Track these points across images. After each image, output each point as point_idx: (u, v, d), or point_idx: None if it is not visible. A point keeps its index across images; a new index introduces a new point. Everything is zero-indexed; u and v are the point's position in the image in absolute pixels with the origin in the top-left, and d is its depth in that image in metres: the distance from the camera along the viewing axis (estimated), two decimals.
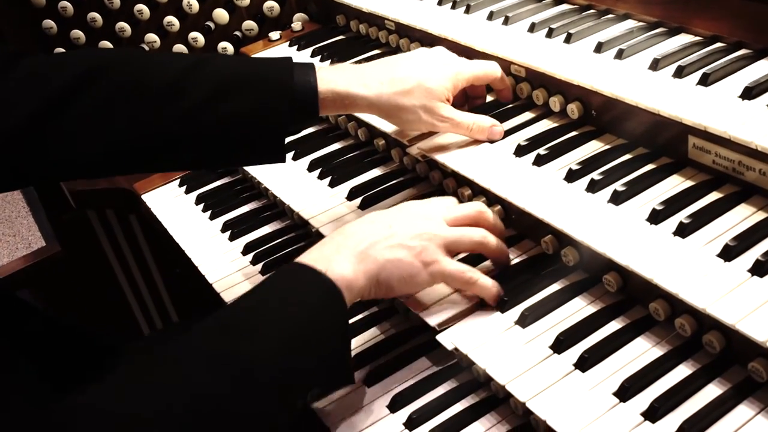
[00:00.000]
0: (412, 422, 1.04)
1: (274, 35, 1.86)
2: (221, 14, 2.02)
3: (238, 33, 2.05)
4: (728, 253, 0.92)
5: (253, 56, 1.73)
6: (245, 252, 1.46)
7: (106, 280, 2.46)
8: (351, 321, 1.18)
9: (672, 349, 0.95)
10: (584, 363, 0.96)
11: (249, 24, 2.02)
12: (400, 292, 1.09)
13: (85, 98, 1.16)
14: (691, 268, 0.92)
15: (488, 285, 1.07)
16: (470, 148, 1.23)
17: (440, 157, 1.23)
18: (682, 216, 0.99)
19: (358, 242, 1.04)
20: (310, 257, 1.03)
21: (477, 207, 1.13)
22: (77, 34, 2.13)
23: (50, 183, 2.03)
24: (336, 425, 1.05)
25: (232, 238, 1.51)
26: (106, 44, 2.16)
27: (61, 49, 2.15)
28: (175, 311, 2.63)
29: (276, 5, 1.97)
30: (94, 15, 2.11)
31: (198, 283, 1.45)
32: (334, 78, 1.19)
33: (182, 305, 2.55)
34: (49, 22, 2.13)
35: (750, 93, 1.02)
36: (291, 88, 1.16)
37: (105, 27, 2.12)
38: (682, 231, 0.97)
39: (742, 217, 0.98)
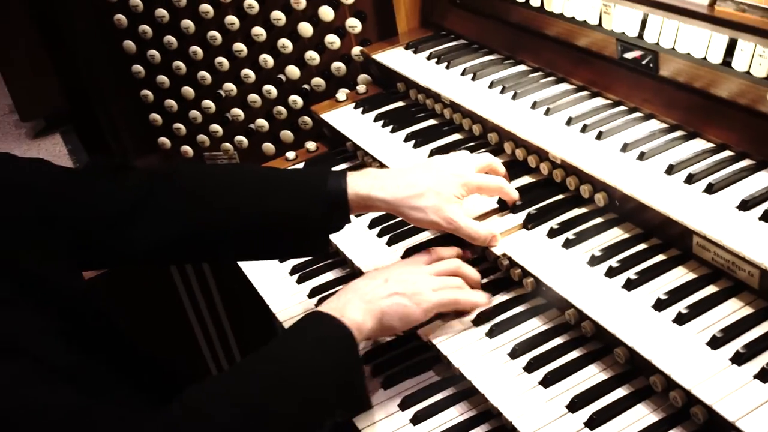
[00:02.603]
0: (417, 419, 1.32)
1: (341, 96, 2.09)
2: (293, 70, 2.26)
3: (306, 87, 2.29)
4: (715, 342, 1.13)
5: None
6: (311, 295, 1.69)
7: (171, 304, 2.74)
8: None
9: (666, 416, 1.16)
10: (593, 423, 1.18)
11: (317, 80, 2.26)
12: (401, 329, 1.38)
13: (156, 200, 1.45)
14: (683, 353, 1.13)
15: (471, 299, 1.37)
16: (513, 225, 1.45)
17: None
18: (682, 306, 1.20)
19: (363, 294, 1.33)
20: (328, 307, 1.32)
21: (456, 263, 1.41)
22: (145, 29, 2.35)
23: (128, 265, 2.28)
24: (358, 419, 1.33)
25: (299, 281, 1.74)
26: (189, 91, 2.41)
27: (131, 43, 2.38)
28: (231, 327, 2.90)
29: (342, 66, 2.21)
30: (179, 64, 2.37)
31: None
32: (358, 183, 1.43)
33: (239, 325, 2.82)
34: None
35: (746, 205, 1.23)
36: (327, 194, 1.42)
37: (187, 75, 2.38)
38: (680, 319, 1.18)
39: (731, 310, 1.19)
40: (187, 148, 2.53)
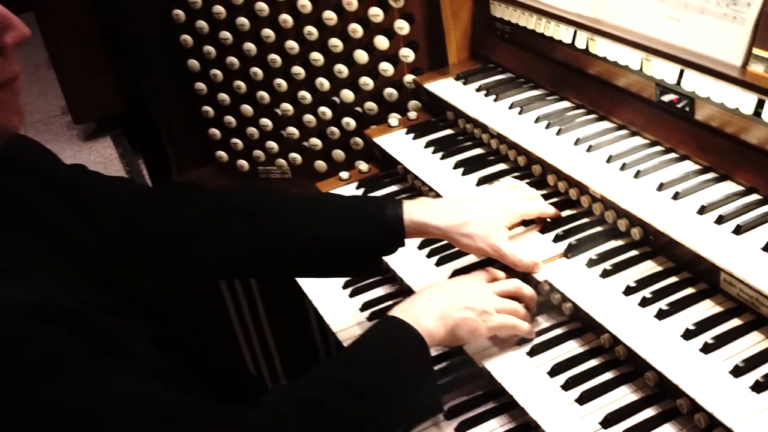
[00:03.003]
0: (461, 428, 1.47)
1: (393, 121, 2.23)
2: (347, 94, 2.41)
3: (359, 110, 2.44)
4: (737, 371, 1.25)
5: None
6: (363, 309, 1.84)
7: (217, 313, 2.90)
8: None
9: None
10: None
11: (370, 104, 2.40)
12: (466, 342, 1.49)
13: (223, 221, 1.60)
14: (708, 380, 1.26)
15: (526, 328, 1.49)
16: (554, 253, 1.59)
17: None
18: (708, 336, 1.33)
19: (437, 304, 1.44)
20: (404, 314, 1.41)
21: (516, 283, 1.54)
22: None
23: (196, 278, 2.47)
24: None
25: (352, 295, 1.89)
26: (248, 109, 2.57)
27: (195, 62, 2.55)
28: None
29: (395, 92, 2.35)
30: (239, 83, 2.52)
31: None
32: (414, 211, 1.57)
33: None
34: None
35: None
36: (386, 220, 1.56)
37: (246, 94, 2.54)
38: (706, 349, 1.31)
39: (753, 342, 1.31)
40: (243, 162, 2.68)
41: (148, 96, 2.75)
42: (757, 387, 1.22)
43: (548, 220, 1.68)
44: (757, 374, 1.24)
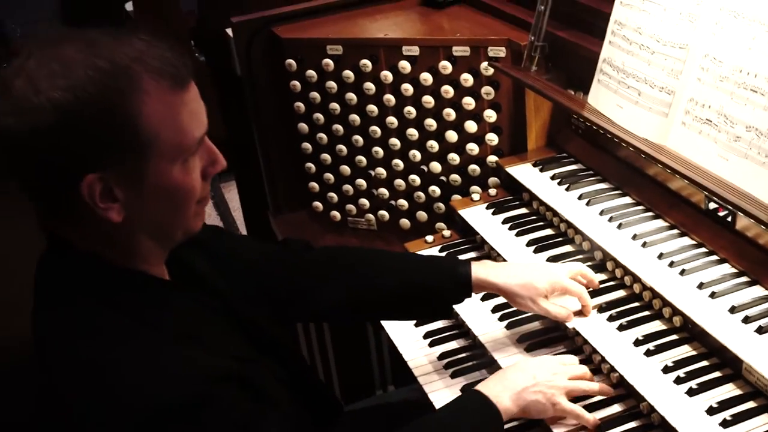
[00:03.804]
0: None
1: (475, 196, 2.59)
2: (435, 165, 2.77)
3: (444, 179, 2.80)
4: None
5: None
6: (431, 345, 2.19)
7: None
8: None
9: None
10: None
11: (454, 176, 2.76)
12: (533, 417, 1.81)
13: (332, 275, 2.01)
14: None
15: (590, 419, 1.78)
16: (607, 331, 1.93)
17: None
18: (728, 414, 1.65)
19: (515, 386, 1.76)
20: (488, 390, 1.75)
21: (585, 369, 1.85)
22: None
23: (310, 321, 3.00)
24: None
25: (431, 345, 2.24)
26: (346, 169, 2.94)
27: (305, 125, 2.93)
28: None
29: (478, 168, 2.71)
30: (341, 147, 2.91)
31: None
32: (479, 270, 1.96)
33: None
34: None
35: None
36: (457, 276, 1.95)
37: (346, 157, 2.92)
38: (725, 424, 1.63)
39: (765, 422, 1.64)
40: (335, 213, 3.06)
41: (259, 150, 3.15)
42: None
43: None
44: None
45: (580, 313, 2.00)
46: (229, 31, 3.06)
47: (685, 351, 1.85)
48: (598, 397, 1.86)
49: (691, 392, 1.72)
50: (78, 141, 1.31)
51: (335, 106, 2.84)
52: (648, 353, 1.84)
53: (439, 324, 2.29)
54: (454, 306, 2.15)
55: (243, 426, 1.40)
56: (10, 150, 1.34)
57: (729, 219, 1.99)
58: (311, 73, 2.80)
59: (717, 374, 1.77)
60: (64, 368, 1.39)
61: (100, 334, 1.39)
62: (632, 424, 1.79)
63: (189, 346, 1.46)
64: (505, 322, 2.12)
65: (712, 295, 1.85)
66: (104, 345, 1.38)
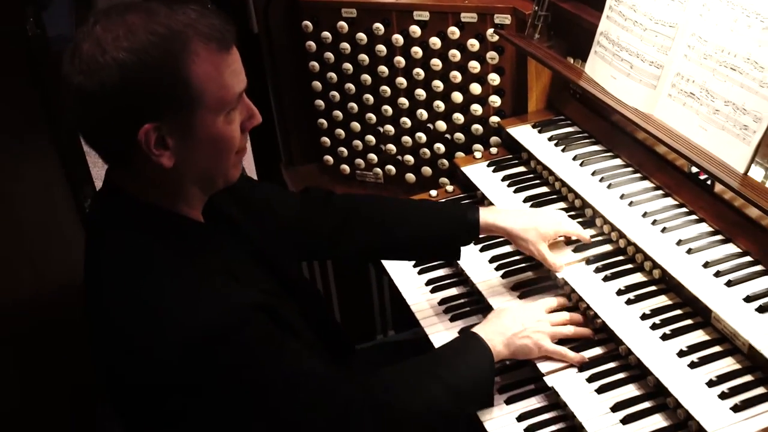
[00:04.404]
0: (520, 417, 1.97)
1: (478, 154, 2.78)
2: (441, 124, 2.94)
3: (449, 137, 2.98)
4: (711, 384, 1.78)
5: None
6: (440, 303, 2.40)
7: None
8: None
9: None
10: None
11: (458, 135, 2.94)
12: (522, 359, 2.03)
13: (353, 224, 2.22)
14: (691, 388, 1.78)
15: (574, 357, 2.00)
16: (593, 281, 2.14)
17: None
18: (695, 356, 1.86)
19: (505, 331, 1.98)
20: (483, 333, 1.96)
21: (566, 315, 2.07)
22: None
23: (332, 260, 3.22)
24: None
25: (432, 291, 2.45)
26: (356, 125, 3.13)
27: (318, 83, 3.11)
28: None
29: (480, 128, 2.89)
30: (353, 104, 3.09)
31: None
32: (488, 215, 2.19)
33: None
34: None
35: (749, 299, 1.88)
36: (467, 222, 2.18)
37: (357, 114, 3.10)
38: (693, 365, 1.83)
39: (728, 364, 1.82)
40: (345, 167, 3.25)
41: (274, 105, 3.32)
42: (723, 396, 1.76)
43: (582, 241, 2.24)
44: (724, 387, 1.78)
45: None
46: None
47: (661, 301, 2.06)
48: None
49: (664, 337, 1.93)
50: (138, 96, 1.49)
51: (348, 66, 3.01)
52: (629, 302, 2.05)
53: (440, 272, 2.50)
54: None
55: (279, 344, 1.62)
56: (80, 104, 1.54)
57: (709, 182, 2.18)
58: (326, 34, 2.97)
59: (689, 322, 1.98)
60: (117, 296, 1.59)
61: (150, 266, 1.60)
62: (611, 365, 2.01)
63: (225, 280, 1.66)
64: (501, 272, 2.33)
65: (689, 251, 2.05)
66: (154, 277, 1.58)
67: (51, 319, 3.00)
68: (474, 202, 2.68)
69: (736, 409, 1.73)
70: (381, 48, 2.91)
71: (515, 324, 2.00)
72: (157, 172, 1.60)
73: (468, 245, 2.28)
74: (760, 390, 1.78)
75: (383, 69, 2.95)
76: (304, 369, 1.67)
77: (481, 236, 2.26)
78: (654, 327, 1.96)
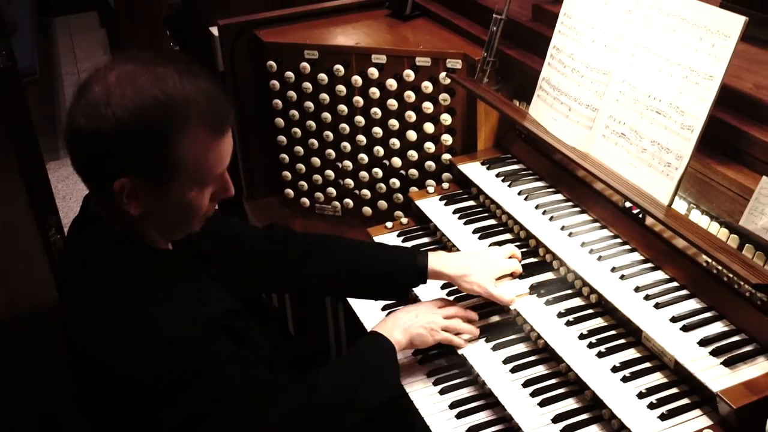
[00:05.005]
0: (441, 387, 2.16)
1: (430, 189, 2.95)
2: (396, 161, 3.13)
3: (403, 173, 3.17)
4: (641, 395, 1.98)
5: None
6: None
7: None
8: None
9: None
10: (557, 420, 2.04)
11: (412, 171, 3.13)
12: (420, 347, 2.25)
13: (313, 257, 2.40)
14: (623, 400, 1.98)
15: (461, 343, 2.26)
16: (536, 305, 2.33)
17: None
18: (627, 371, 2.05)
19: (403, 323, 2.20)
20: (383, 329, 2.18)
21: (459, 311, 2.30)
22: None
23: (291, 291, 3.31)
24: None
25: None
26: (316, 161, 3.30)
27: (281, 120, 3.29)
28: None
29: (433, 164, 3.08)
30: (313, 141, 3.27)
31: None
32: (434, 261, 2.35)
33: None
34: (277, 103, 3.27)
35: (675, 320, 2.09)
36: (417, 266, 2.36)
37: (317, 150, 3.27)
38: (625, 380, 2.03)
39: (657, 379, 2.03)
40: (305, 200, 3.42)
41: (237, 133, 3.48)
42: (651, 407, 1.95)
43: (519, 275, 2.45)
44: (653, 398, 1.97)
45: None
46: (213, 30, 3.40)
47: (598, 322, 2.26)
48: (529, 358, 2.25)
49: (600, 355, 2.12)
50: (125, 150, 1.63)
51: (309, 104, 3.19)
52: (568, 323, 2.25)
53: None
54: None
55: (239, 360, 1.78)
56: (75, 140, 1.69)
57: (640, 216, 2.40)
58: (289, 74, 3.16)
59: (622, 341, 2.17)
60: (91, 309, 1.73)
61: (123, 283, 1.75)
62: (552, 381, 2.19)
63: (189, 301, 1.81)
64: (452, 297, 2.51)
65: (622, 277, 2.26)
66: (126, 292, 1.73)
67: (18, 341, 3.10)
68: (427, 234, 2.86)
69: (663, 417, 1.92)
70: (341, 88, 3.10)
71: (410, 317, 2.24)
72: (126, 213, 1.75)
73: (416, 287, 2.49)
74: (685, 401, 1.98)
75: (343, 107, 3.13)
76: (257, 377, 1.83)
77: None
78: (591, 346, 2.16)
